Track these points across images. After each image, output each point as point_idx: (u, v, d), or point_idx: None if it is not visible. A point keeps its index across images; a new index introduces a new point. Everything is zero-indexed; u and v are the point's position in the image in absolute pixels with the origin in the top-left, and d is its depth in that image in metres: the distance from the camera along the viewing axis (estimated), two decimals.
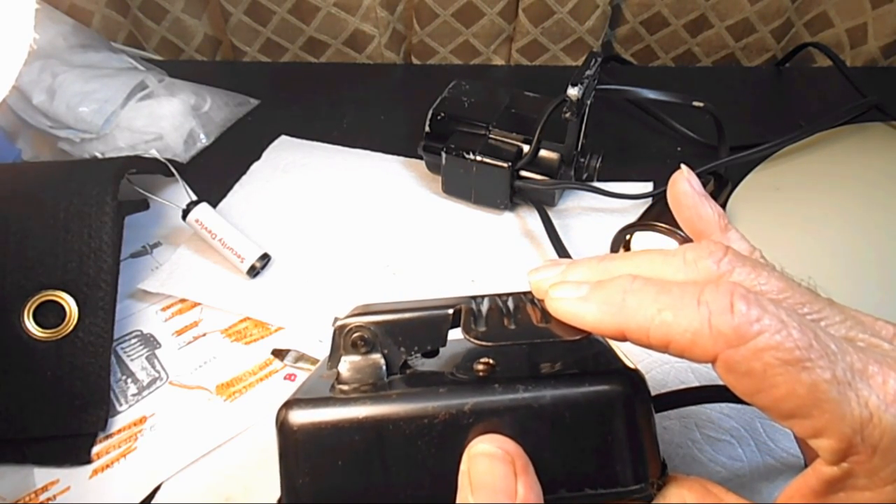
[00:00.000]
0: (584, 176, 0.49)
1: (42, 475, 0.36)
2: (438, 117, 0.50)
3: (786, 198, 0.44)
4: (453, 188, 0.50)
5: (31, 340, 0.37)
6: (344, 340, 0.25)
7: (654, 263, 0.22)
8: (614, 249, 0.44)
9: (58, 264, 0.39)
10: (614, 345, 0.26)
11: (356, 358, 0.24)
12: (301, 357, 0.40)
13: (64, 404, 0.37)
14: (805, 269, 0.39)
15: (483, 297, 0.26)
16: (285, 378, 0.39)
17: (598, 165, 0.49)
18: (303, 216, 0.50)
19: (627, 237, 0.43)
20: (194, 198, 0.47)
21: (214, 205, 0.49)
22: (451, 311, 0.24)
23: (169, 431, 0.37)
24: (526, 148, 0.47)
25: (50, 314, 0.38)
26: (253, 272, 0.45)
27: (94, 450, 0.36)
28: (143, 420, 0.38)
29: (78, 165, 0.48)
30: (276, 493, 0.23)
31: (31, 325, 0.38)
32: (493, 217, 0.50)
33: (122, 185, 0.43)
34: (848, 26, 0.66)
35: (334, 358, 0.25)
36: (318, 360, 0.40)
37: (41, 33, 0.52)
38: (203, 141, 0.58)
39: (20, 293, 0.38)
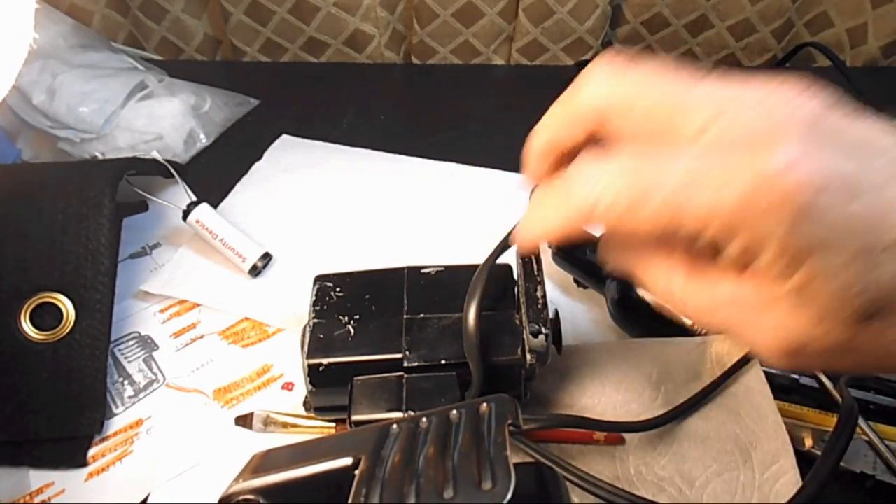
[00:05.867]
0: None
1: (37, 477, 0.35)
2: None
3: None
4: None
5: (28, 342, 0.37)
6: None
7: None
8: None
9: (55, 266, 0.39)
10: None
11: None
12: (268, 419, 0.36)
13: (60, 407, 0.37)
14: None
15: (402, 422, 0.22)
16: (283, 388, 0.39)
17: None
18: (304, 216, 0.50)
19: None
20: (194, 198, 0.47)
21: (215, 205, 0.49)
22: (351, 460, 0.20)
23: (165, 435, 0.37)
24: None
25: (47, 316, 0.38)
26: (255, 272, 0.45)
27: (90, 452, 0.36)
28: (139, 423, 0.38)
29: (77, 167, 0.48)
30: None
31: (27, 327, 0.38)
32: (497, 216, 0.49)
33: (121, 187, 0.43)
34: (848, 26, 0.66)
35: None
36: (287, 423, 0.36)
37: (41, 33, 0.52)
38: (203, 141, 0.57)
39: (17, 295, 0.38)
